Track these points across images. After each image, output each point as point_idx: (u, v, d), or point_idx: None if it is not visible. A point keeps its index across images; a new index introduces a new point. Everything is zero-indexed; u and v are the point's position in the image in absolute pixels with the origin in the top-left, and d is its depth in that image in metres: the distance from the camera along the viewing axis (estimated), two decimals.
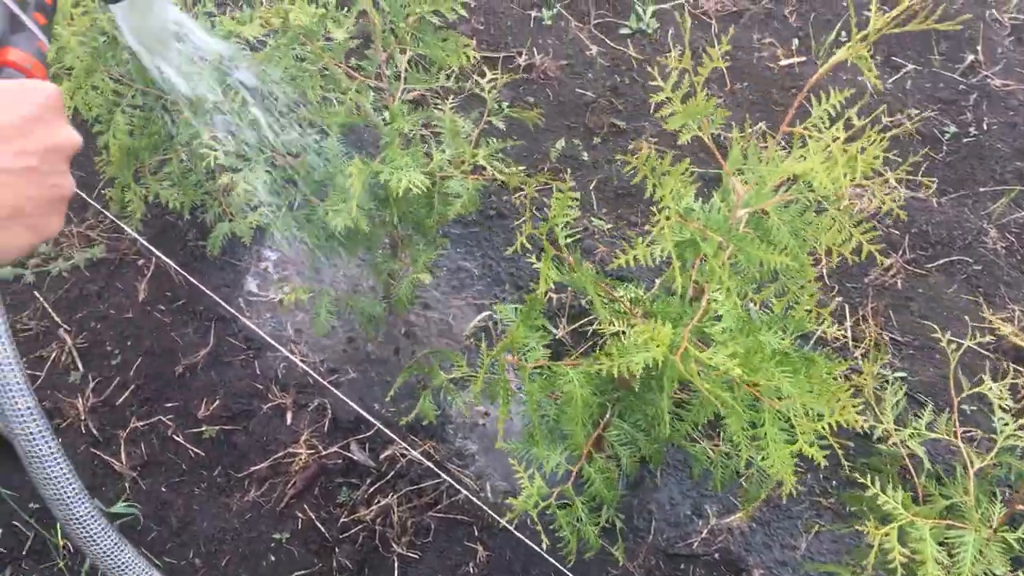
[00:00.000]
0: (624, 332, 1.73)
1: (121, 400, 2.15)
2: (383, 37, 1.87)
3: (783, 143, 1.46)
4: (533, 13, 3.21)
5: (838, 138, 1.28)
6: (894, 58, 3.17)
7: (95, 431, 2.10)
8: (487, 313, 2.38)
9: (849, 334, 2.36)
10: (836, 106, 1.32)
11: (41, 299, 2.31)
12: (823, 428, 1.42)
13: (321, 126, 2.08)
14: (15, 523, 1.94)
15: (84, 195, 2.43)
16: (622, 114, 2.95)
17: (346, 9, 2.14)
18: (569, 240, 1.72)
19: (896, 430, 1.77)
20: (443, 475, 2.00)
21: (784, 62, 3.11)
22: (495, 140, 2.04)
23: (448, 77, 2.15)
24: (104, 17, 2.20)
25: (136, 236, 2.25)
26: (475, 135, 2.14)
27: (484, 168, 1.99)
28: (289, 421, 2.11)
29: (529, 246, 1.97)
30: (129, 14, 1.42)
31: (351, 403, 2.03)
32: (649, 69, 3.07)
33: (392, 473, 2.03)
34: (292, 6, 1.93)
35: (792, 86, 3.04)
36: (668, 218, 1.45)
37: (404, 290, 2.11)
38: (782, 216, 1.53)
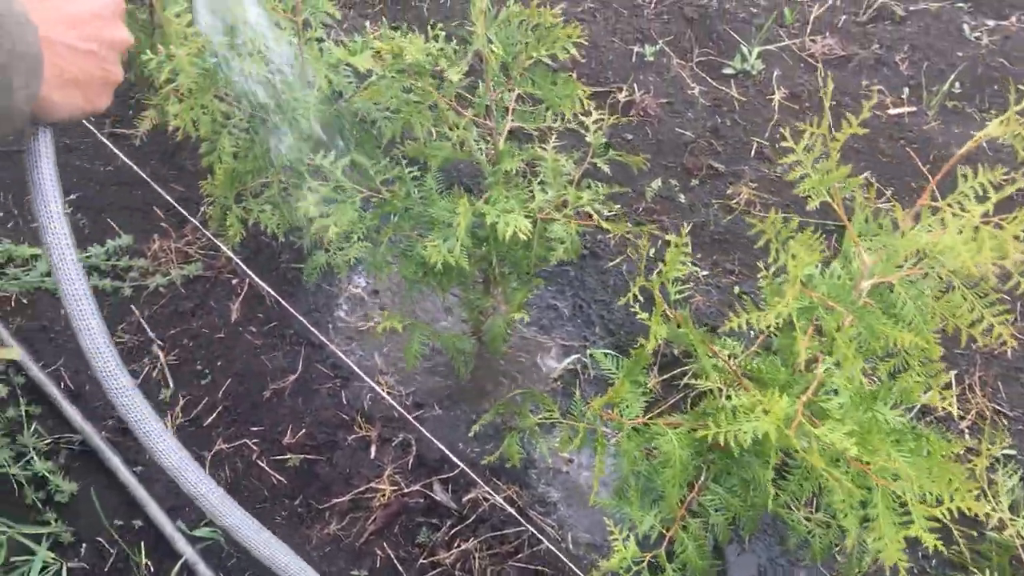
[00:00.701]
0: (725, 391, 1.67)
1: (208, 421, 2.15)
2: (494, 77, 1.84)
3: (907, 206, 1.37)
4: (635, 48, 3.17)
5: (981, 212, 1.20)
6: None
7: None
8: (576, 356, 2.33)
9: (955, 405, 2.25)
10: (984, 184, 1.25)
11: (137, 313, 2.33)
12: (942, 513, 1.34)
13: (419, 159, 2.07)
14: (99, 539, 1.95)
15: (183, 210, 2.47)
16: (721, 156, 2.88)
17: (455, 42, 2.12)
18: (679, 296, 1.67)
19: (1011, 520, 1.67)
20: (526, 524, 1.95)
21: (893, 111, 3.01)
22: (599, 185, 2.00)
23: (555, 117, 2.12)
24: (217, 40, 2.23)
25: (231, 256, 2.27)
26: (576, 176, 2.10)
27: (588, 213, 1.95)
28: (373, 455, 2.09)
29: (637, 298, 1.92)
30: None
31: (436, 442, 2.00)
32: (753, 109, 3.00)
33: (474, 517, 1.99)
34: (406, 41, 1.92)
35: (900, 137, 2.94)
36: (793, 287, 1.38)
37: (497, 329, 2.07)
38: (909, 291, 1.45)
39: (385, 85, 1.90)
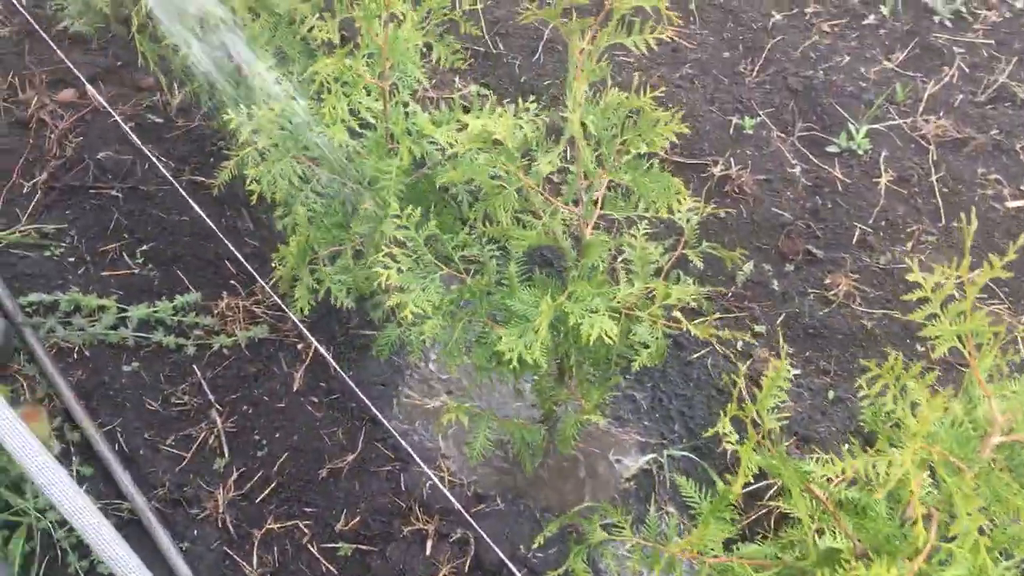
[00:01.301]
0: (816, 521, 1.50)
1: (262, 497, 2.05)
2: (587, 166, 1.71)
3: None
4: (734, 119, 3.01)
5: None
6: None
7: (231, 527, 2.01)
8: (653, 456, 2.17)
9: None
10: None
11: (199, 374, 2.26)
12: None
13: (500, 240, 1.95)
14: None
15: (254, 269, 2.39)
16: (820, 241, 2.70)
17: (543, 107, 2.00)
18: (777, 424, 1.51)
19: None
20: None
21: (1012, 204, 2.78)
22: (690, 280, 1.85)
23: (647, 207, 1.98)
24: (298, 105, 2.16)
25: (298, 323, 2.17)
26: (666, 267, 1.96)
27: (676, 317, 1.80)
28: (428, 551, 1.96)
29: (726, 432, 1.77)
30: None
31: (496, 548, 1.86)
32: (857, 192, 2.81)
33: None
34: (494, 120, 1.81)
35: (1019, 232, 2.71)
36: (913, 444, 1.21)
37: (568, 428, 1.93)
38: None
39: (470, 167, 1.79)
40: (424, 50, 1.98)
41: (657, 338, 1.79)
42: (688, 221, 1.94)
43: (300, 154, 2.15)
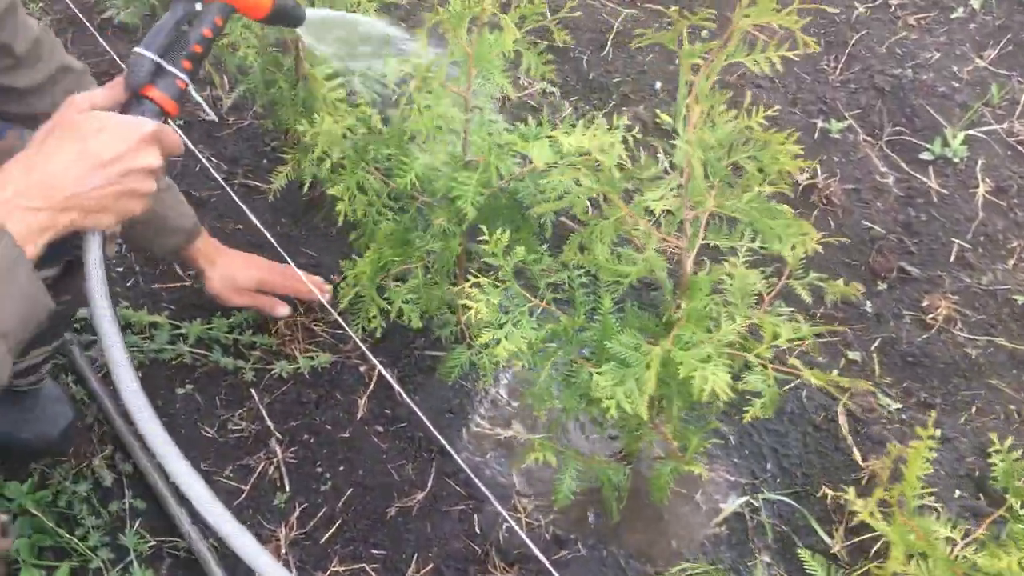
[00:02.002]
0: None
1: (326, 536, 1.91)
2: (699, 196, 1.54)
3: None
4: (818, 123, 2.81)
5: None
6: None
7: (294, 568, 1.87)
8: (745, 499, 2.01)
9: None
10: None
11: (256, 399, 2.12)
12: None
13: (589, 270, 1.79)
14: None
15: (312, 285, 2.24)
16: (914, 258, 2.51)
17: (641, 125, 1.83)
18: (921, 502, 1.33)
19: None
20: None
21: None
22: (800, 320, 1.68)
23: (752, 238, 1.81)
24: (369, 112, 2.00)
25: (360, 344, 2.02)
26: (767, 299, 1.79)
27: (792, 360, 1.63)
28: None
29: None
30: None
31: None
32: (953, 203, 2.61)
33: None
34: (591, 141, 1.64)
35: None
36: None
37: (663, 479, 1.77)
38: None
39: (569, 197, 1.62)
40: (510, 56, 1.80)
41: (769, 385, 1.62)
42: (792, 249, 1.76)
43: (372, 164, 1.99)
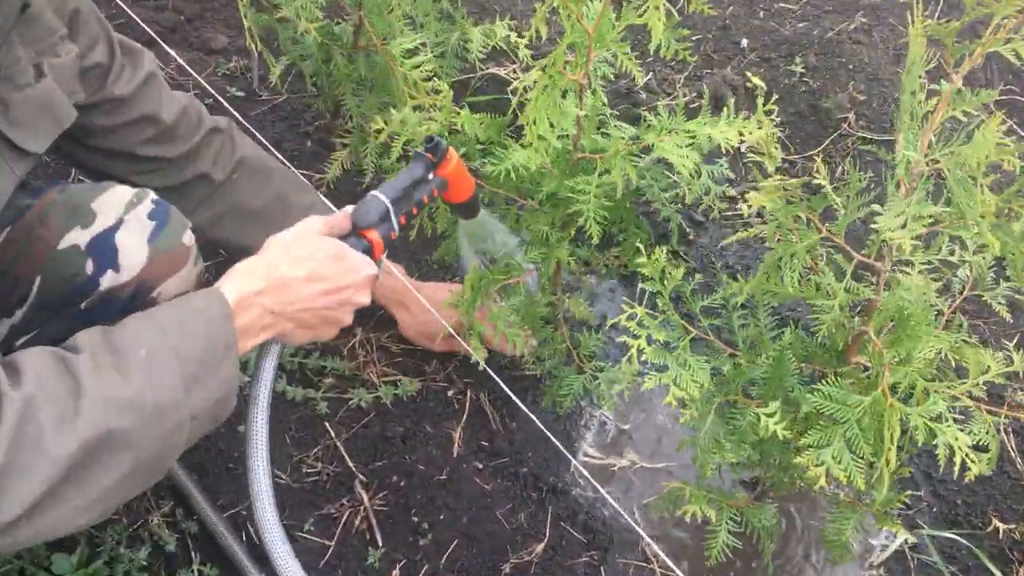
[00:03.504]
0: None
1: None
2: (969, 212, 1.24)
3: None
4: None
5: None
6: None
7: None
8: (904, 538, 1.76)
9: None
10: None
11: (332, 434, 1.82)
12: None
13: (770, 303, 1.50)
14: None
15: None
16: None
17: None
18: None
19: None
20: None
21: None
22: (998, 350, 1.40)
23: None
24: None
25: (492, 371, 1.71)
26: (947, 312, 1.53)
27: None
28: None
29: None
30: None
31: None
32: None
33: None
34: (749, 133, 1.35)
35: None
36: None
37: (844, 533, 1.51)
38: None
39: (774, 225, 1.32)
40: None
41: (992, 435, 1.36)
42: (974, 254, 1.48)
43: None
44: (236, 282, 1.12)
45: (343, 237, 1.28)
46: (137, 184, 1.42)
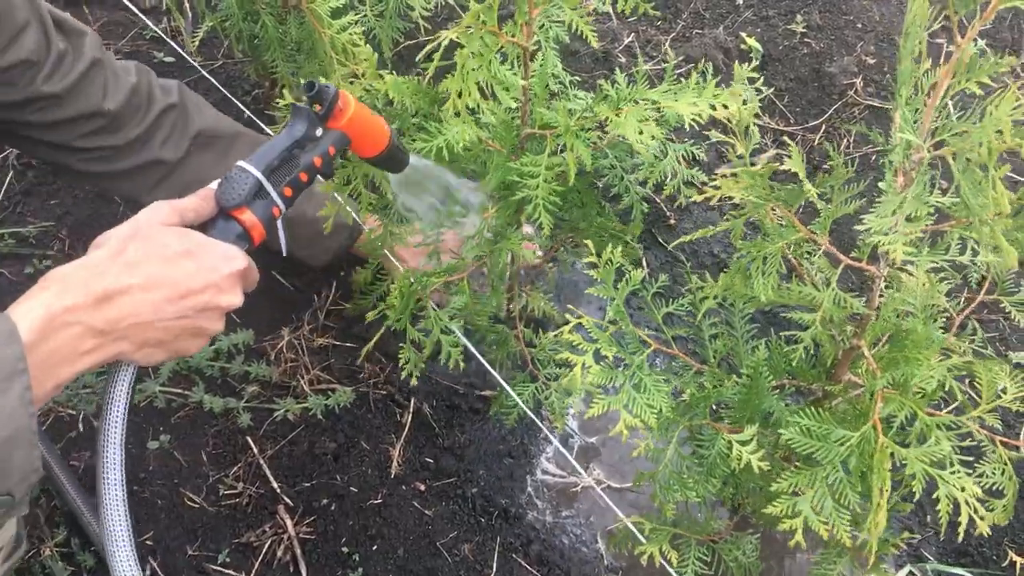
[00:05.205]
0: None
1: None
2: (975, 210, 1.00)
3: None
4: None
5: None
6: None
7: None
8: (908, 570, 1.53)
9: None
10: None
11: (255, 450, 1.61)
12: None
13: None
14: None
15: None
16: None
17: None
18: None
19: None
20: None
21: None
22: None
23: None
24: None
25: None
26: (957, 319, 1.29)
27: None
28: None
29: None
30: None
31: None
32: None
33: None
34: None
35: None
36: None
37: None
38: None
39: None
40: None
41: (1011, 478, 1.12)
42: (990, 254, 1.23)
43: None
44: (45, 296, 0.87)
45: (207, 223, 1.04)
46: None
